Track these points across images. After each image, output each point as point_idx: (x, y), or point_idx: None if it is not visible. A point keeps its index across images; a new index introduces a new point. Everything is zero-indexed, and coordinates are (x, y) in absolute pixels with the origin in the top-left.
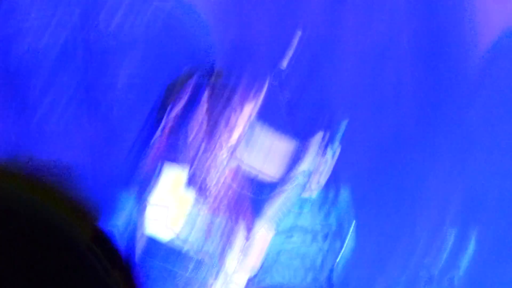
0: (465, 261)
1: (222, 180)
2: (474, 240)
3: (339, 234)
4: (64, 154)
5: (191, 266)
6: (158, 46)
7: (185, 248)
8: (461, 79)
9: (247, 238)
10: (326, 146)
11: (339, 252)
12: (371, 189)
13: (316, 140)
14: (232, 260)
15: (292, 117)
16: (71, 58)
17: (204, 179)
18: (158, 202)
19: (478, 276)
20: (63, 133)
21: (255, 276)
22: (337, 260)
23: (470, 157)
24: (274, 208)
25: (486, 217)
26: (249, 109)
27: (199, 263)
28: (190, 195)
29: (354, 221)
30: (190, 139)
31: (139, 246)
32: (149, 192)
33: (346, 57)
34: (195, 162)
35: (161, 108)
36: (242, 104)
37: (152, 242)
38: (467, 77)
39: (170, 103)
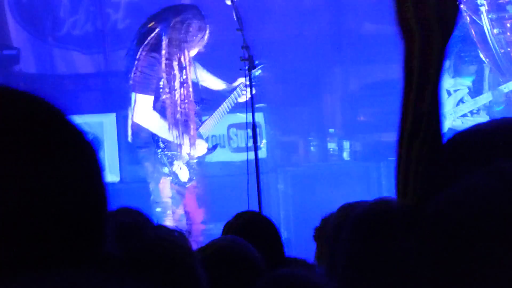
0: None
1: (178, 101)
2: None
3: None
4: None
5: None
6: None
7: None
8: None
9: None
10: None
11: None
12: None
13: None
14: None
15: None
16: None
17: (164, 102)
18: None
19: None
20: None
21: None
22: None
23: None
24: (212, 121)
25: None
26: (194, 53)
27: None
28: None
29: None
30: (154, 75)
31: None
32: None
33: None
34: (160, 91)
35: (134, 51)
36: (189, 50)
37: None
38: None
39: (141, 48)
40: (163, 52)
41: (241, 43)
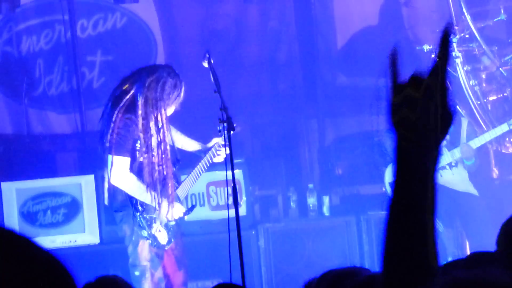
0: None
1: (156, 161)
2: None
3: None
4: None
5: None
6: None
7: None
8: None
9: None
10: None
11: None
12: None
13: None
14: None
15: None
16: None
17: (141, 163)
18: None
19: None
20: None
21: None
22: None
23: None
24: (189, 182)
25: None
26: (171, 112)
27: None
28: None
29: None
30: (130, 136)
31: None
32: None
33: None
34: (137, 152)
35: (109, 114)
36: (165, 109)
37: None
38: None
39: (116, 110)
40: (139, 112)
41: (218, 104)
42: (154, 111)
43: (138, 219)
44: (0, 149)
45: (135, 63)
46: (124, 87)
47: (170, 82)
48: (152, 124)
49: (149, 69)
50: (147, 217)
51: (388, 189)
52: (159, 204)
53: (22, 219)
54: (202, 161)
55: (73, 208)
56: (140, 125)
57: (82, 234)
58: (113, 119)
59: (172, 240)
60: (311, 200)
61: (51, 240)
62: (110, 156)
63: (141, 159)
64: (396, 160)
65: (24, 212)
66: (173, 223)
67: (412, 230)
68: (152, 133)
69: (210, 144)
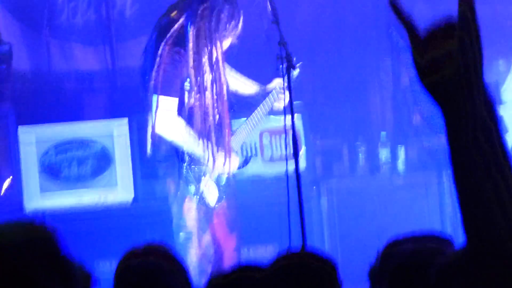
0: None
1: (209, 104)
2: None
3: None
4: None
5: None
6: None
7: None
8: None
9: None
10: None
11: None
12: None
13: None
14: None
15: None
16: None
17: (192, 105)
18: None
19: None
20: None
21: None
22: None
23: None
24: (244, 131)
25: None
26: (227, 46)
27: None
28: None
29: None
30: (179, 73)
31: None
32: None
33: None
34: (186, 92)
35: (154, 47)
36: (221, 42)
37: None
38: None
39: (162, 42)
40: (190, 45)
41: (277, 39)
42: (208, 44)
43: (185, 171)
44: (18, 87)
45: None
46: (172, 15)
47: (227, 10)
48: (205, 59)
49: None
50: (196, 169)
51: None
52: (213, 155)
53: (43, 171)
54: (260, 105)
55: (103, 158)
56: (191, 61)
57: (114, 189)
58: (159, 53)
59: (224, 198)
60: (383, 153)
61: (77, 197)
62: (155, 97)
63: (191, 101)
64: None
65: (45, 162)
66: (224, 178)
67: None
68: (205, 70)
69: (270, 86)
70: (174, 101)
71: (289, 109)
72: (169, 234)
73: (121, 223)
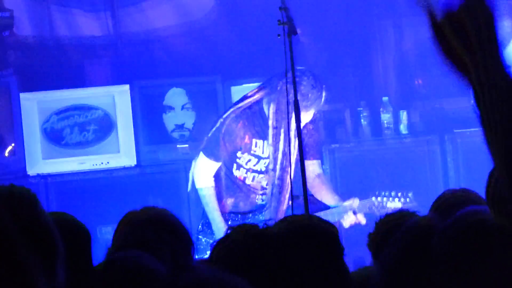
0: None
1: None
2: None
3: None
4: None
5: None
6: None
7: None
8: None
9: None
10: None
11: None
12: None
13: None
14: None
15: None
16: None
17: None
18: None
19: None
20: None
21: None
22: None
23: None
24: None
25: None
26: (309, 116)
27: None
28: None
29: None
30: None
31: None
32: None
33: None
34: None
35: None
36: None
37: None
38: None
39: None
40: (270, 122)
41: (278, 3)
42: (285, 118)
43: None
44: (18, 54)
45: None
46: (255, 92)
47: (306, 81)
48: (282, 133)
49: (281, 73)
50: (203, 240)
51: None
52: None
53: (45, 137)
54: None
55: (105, 124)
56: (270, 136)
57: (116, 154)
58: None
59: None
60: (386, 117)
61: (79, 162)
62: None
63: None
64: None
65: (48, 128)
66: None
67: None
68: (280, 145)
69: (346, 203)
70: (215, 165)
71: (291, 74)
72: (170, 198)
73: (124, 188)
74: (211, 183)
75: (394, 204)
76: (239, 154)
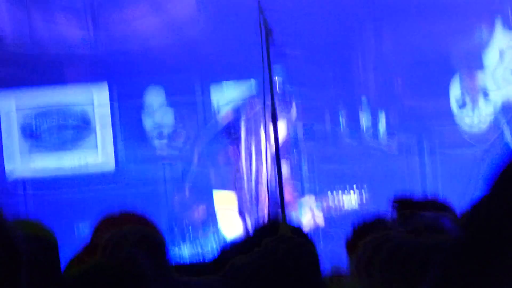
0: None
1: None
2: None
3: None
4: None
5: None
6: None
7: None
8: None
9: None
10: None
11: None
12: None
13: None
14: None
15: None
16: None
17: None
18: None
19: None
20: None
21: None
22: None
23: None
24: None
25: None
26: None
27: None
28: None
29: None
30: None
31: None
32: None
33: None
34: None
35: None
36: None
37: None
38: None
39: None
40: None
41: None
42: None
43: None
44: None
45: None
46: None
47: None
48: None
49: None
50: None
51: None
52: None
53: (23, 136)
54: None
55: (83, 122)
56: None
57: (94, 153)
58: None
59: None
60: (364, 116)
61: (57, 159)
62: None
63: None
64: None
65: (26, 127)
66: None
67: None
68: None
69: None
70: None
71: (268, 72)
72: (147, 197)
73: (101, 186)
74: None
75: (350, 197)
76: None
